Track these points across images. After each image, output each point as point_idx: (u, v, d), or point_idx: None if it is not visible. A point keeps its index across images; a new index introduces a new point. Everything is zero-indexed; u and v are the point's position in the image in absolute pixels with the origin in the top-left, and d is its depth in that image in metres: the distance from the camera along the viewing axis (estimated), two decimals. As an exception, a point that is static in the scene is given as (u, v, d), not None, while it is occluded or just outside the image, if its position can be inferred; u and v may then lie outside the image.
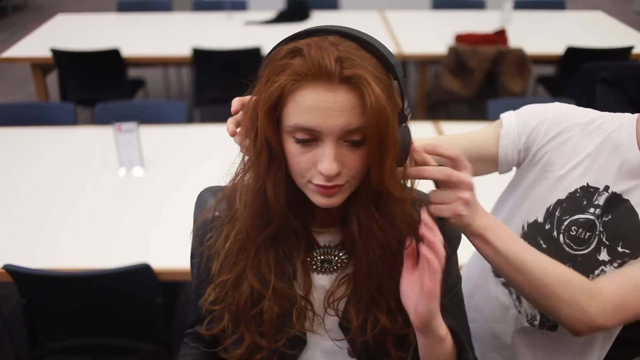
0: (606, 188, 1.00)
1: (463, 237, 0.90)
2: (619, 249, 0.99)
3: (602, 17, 4.19)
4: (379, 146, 0.74)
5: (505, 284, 1.16)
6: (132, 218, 1.85)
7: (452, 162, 0.82)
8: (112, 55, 3.31)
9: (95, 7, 5.64)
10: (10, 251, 1.69)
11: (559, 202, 1.04)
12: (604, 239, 1.01)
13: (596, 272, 1.02)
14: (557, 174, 1.04)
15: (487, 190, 1.15)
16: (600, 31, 3.89)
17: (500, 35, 3.52)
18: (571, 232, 1.03)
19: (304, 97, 0.73)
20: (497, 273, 1.17)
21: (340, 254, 0.90)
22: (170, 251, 1.68)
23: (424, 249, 0.75)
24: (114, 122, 2.06)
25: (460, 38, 3.53)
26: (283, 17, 4.00)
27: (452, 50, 3.40)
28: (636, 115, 1.02)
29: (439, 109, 3.90)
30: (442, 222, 0.81)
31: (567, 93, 3.32)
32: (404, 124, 0.78)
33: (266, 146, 0.78)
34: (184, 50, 3.36)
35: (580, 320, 0.88)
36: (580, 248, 1.03)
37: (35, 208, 1.91)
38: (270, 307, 0.87)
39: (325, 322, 0.91)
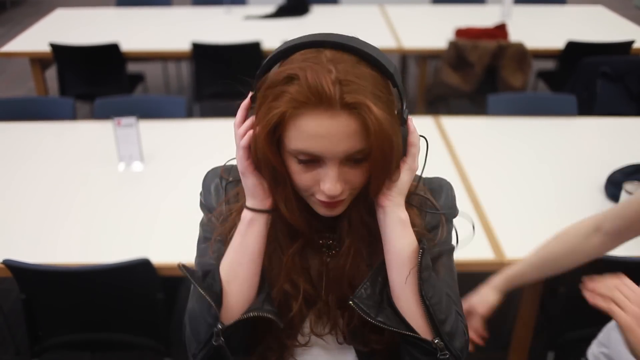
0: None
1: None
2: None
3: (602, 12, 4.18)
4: (383, 166, 0.76)
5: None
6: (132, 213, 1.85)
7: None
8: (112, 50, 3.29)
9: (94, 1, 5.62)
10: (9, 246, 1.69)
11: None
12: None
13: None
14: None
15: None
16: (600, 25, 3.88)
17: (500, 30, 3.51)
18: None
19: (306, 124, 0.73)
20: None
21: (333, 237, 0.91)
22: (170, 246, 1.68)
23: None
24: (113, 116, 2.06)
25: (460, 32, 3.52)
26: (283, 12, 3.99)
27: (452, 45, 3.39)
28: None
29: (439, 103, 3.90)
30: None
31: (568, 88, 3.31)
32: (404, 126, 0.79)
33: (270, 169, 0.79)
34: (183, 45, 3.35)
35: None
36: None
37: (34, 203, 1.90)
38: (299, 311, 0.89)
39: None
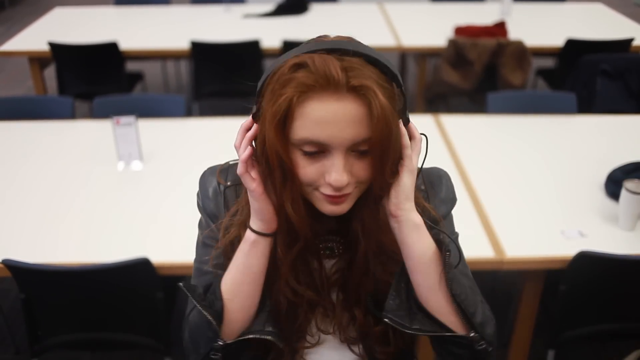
0: None
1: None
2: None
3: (602, 9, 4.17)
4: (382, 155, 0.76)
5: None
6: (131, 212, 1.85)
7: None
8: (110, 49, 3.29)
9: (93, 0, 5.61)
10: (8, 246, 1.68)
11: None
12: None
13: None
14: None
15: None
16: (600, 23, 3.87)
17: (500, 28, 3.50)
18: None
19: (312, 109, 0.73)
20: None
21: (339, 240, 0.91)
22: (169, 245, 1.68)
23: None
24: (112, 115, 2.05)
25: (459, 30, 3.52)
26: (282, 10, 3.98)
27: (452, 43, 3.39)
28: None
29: (438, 102, 3.89)
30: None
31: (568, 86, 3.31)
32: (407, 126, 0.80)
33: (278, 163, 0.77)
34: (182, 44, 3.35)
35: None
36: None
37: (33, 202, 1.90)
38: (305, 316, 0.90)
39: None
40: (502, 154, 2.19)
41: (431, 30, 3.66)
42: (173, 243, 1.69)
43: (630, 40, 3.39)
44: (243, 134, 0.81)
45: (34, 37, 3.55)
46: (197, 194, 0.96)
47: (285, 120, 0.74)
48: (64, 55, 3.34)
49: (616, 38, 3.41)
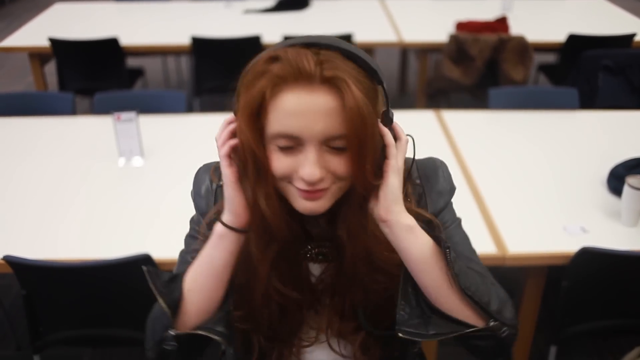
0: None
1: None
2: None
3: (603, 4, 4.16)
4: (359, 151, 0.74)
5: None
6: (132, 208, 1.84)
7: None
8: (111, 45, 3.28)
9: (93, -4, 5.60)
10: (10, 242, 1.68)
11: None
12: None
13: None
14: None
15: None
16: (602, 18, 3.86)
17: (501, 23, 3.49)
18: None
19: (285, 101, 0.72)
20: None
21: (329, 245, 0.90)
22: (170, 241, 1.67)
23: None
24: (113, 111, 2.05)
25: (461, 26, 3.51)
26: (282, 6, 3.97)
27: (453, 38, 3.38)
28: None
29: (440, 97, 3.89)
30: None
31: (569, 81, 3.30)
32: (389, 126, 0.78)
33: (251, 156, 0.76)
34: (183, 39, 3.34)
35: None
36: None
37: (34, 198, 1.90)
38: (294, 318, 0.90)
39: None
40: (503, 150, 2.18)
41: (432, 26, 3.65)
42: (174, 239, 1.67)
43: (632, 36, 3.38)
44: (225, 127, 0.80)
45: (34, 33, 3.54)
46: (191, 192, 0.97)
47: (259, 112, 0.74)
48: (64, 51, 3.33)
49: (618, 33, 3.40)
